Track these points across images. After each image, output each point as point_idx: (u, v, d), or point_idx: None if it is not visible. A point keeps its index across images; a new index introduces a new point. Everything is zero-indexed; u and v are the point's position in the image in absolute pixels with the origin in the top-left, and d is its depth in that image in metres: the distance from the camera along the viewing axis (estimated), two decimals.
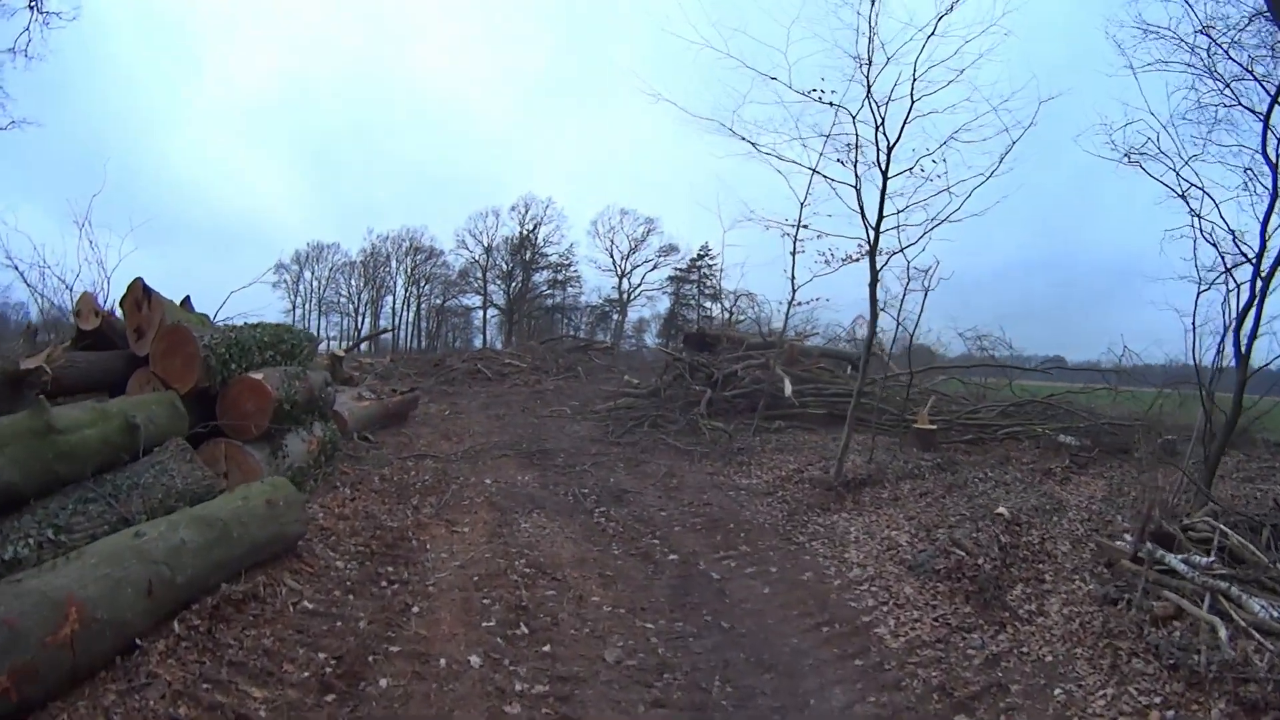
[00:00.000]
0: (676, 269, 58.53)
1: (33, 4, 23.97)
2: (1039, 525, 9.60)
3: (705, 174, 71.99)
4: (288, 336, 10.88)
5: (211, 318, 11.40)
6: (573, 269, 59.17)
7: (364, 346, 49.31)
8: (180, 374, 8.42)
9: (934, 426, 15.50)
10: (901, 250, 11.43)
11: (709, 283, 58.44)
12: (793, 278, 15.16)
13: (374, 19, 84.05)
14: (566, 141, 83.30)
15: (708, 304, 59.08)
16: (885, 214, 11.09)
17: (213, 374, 8.51)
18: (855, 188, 10.92)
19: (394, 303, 57.62)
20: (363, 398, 14.25)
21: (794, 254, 14.92)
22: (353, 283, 56.97)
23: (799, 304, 15.86)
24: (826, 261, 14.83)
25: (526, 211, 57.35)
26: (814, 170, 11.57)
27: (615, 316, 58.76)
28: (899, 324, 15.51)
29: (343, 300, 56.79)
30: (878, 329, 25.05)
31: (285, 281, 55.09)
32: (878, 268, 11.24)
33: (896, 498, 10.72)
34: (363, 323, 56.21)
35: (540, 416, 16.58)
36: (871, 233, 11.20)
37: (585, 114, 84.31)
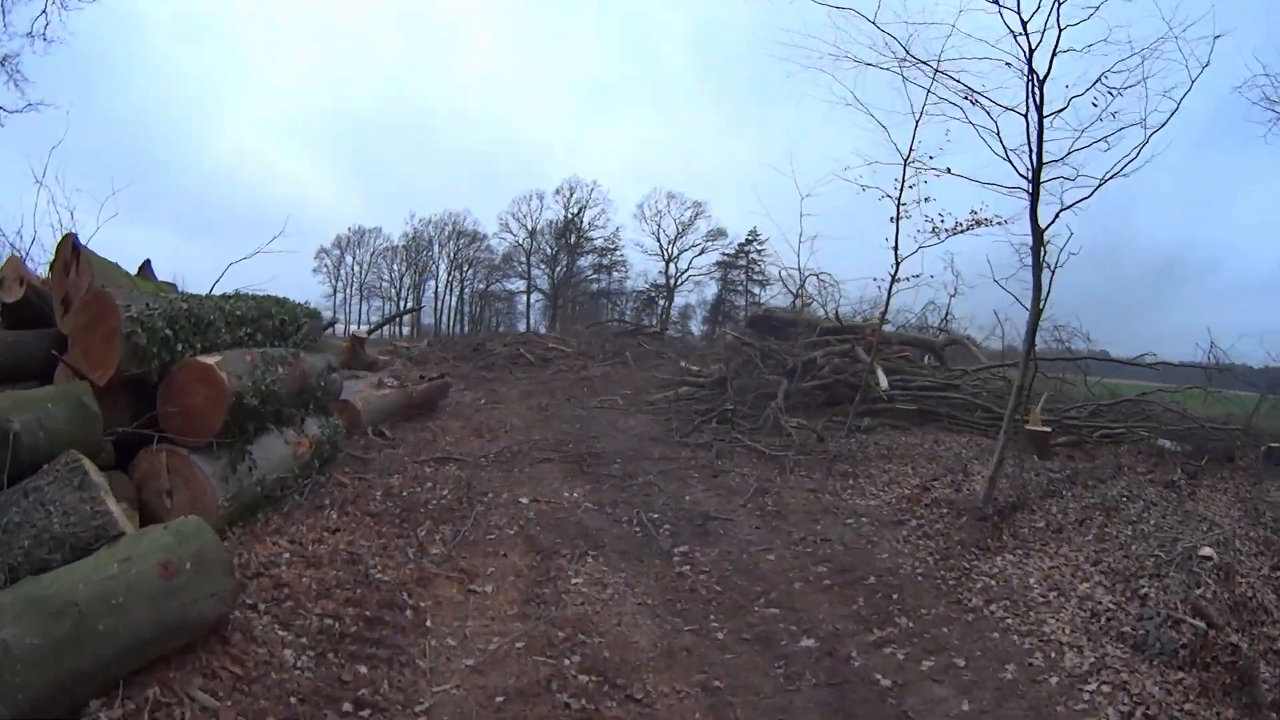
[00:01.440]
0: (724, 254, 55.46)
1: None
2: (1238, 567, 6.89)
3: (761, 153, 68.90)
4: (276, 310, 8.39)
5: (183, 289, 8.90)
6: (618, 253, 56.39)
7: (404, 328, 47.33)
8: (99, 356, 5.90)
9: (1048, 429, 12.59)
10: (1069, 207, 8.39)
11: (757, 268, 55.52)
12: (895, 247, 12.22)
13: (413, 18, 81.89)
14: (611, 130, 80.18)
15: (756, 290, 56.16)
16: (1043, 162, 8.18)
17: (144, 356, 5.96)
18: (1024, 115, 7.94)
19: (436, 287, 55.42)
20: (383, 385, 11.73)
21: (897, 220, 12.01)
22: (395, 267, 54.93)
23: (903, 280, 12.91)
24: (935, 231, 11.95)
25: (571, 194, 54.67)
26: (946, 77, 8.58)
27: (661, 302, 55.87)
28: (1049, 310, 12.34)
29: (385, 285, 54.81)
30: (948, 318, 21.86)
31: (326, 266, 53.42)
32: (1041, 227, 8.29)
33: (1056, 527, 7.94)
34: (404, 307, 54.16)
35: (588, 408, 13.90)
36: (1028, 183, 8.27)
37: (631, 104, 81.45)
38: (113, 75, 57.51)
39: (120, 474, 6.04)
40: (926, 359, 19.76)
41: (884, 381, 13.39)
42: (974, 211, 11.56)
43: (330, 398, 9.20)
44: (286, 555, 5.62)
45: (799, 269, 17.65)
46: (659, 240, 54.56)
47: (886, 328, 22.04)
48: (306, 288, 52.10)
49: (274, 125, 77.48)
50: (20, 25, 22.85)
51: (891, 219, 12.10)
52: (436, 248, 54.87)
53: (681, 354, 25.59)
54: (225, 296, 7.84)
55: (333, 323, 11.42)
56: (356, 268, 54.11)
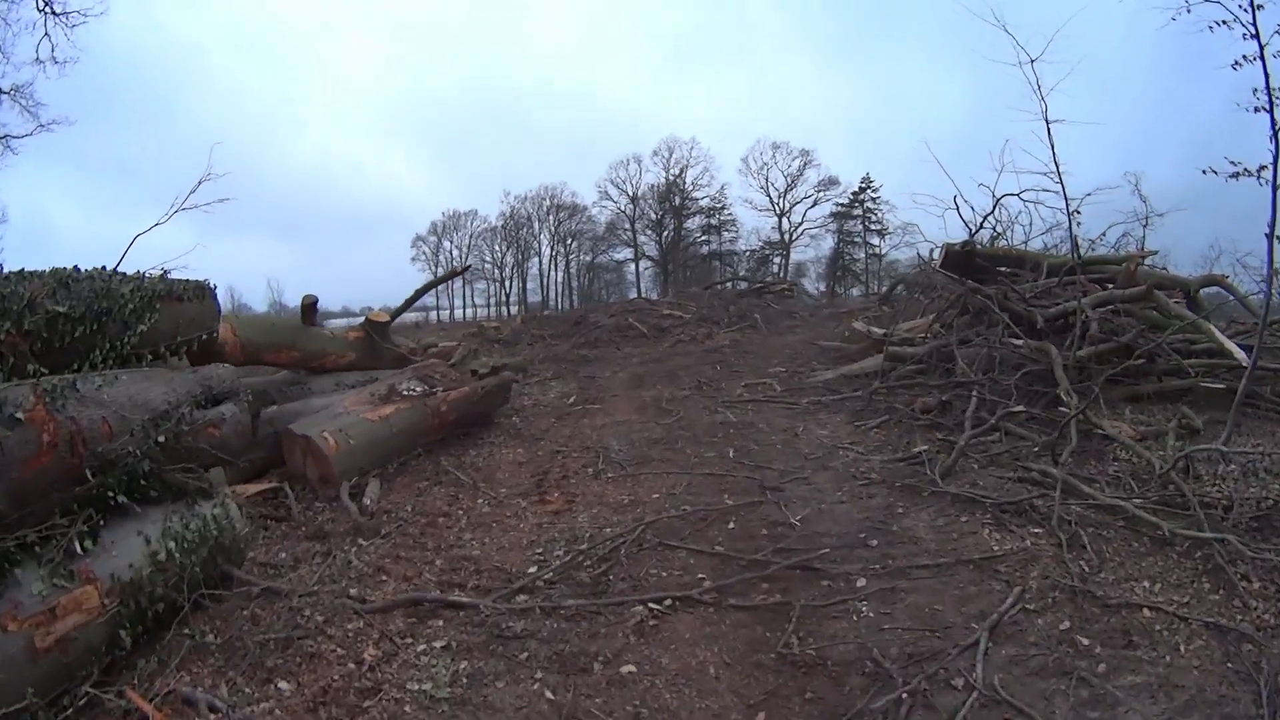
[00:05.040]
0: (838, 204, 48.01)
1: (43, 7, 19.59)
2: None
3: (862, 93, 60.31)
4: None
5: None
6: (726, 212, 49.81)
7: (512, 308, 43.00)
8: None
9: None
10: None
11: (874, 216, 47.91)
12: (1270, 108, 5.58)
13: None
14: (700, 84, 71.50)
15: (875, 240, 48.63)
16: None
17: None
18: None
19: (540, 264, 50.88)
20: (394, 396, 6.61)
21: (1262, 58, 5.44)
22: (495, 248, 50.38)
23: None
24: None
25: (670, 155, 48.40)
26: None
27: (777, 259, 49.12)
28: None
29: (488, 266, 50.35)
30: (1144, 254, 14.33)
31: (424, 253, 49.62)
32: None
33: None
34: (510, 288, 49.95)
35: (733, 402, 8.30)
36: None
37: (716, 53, 71.84)
38: (185, 102, 56.29)
39: None
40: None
41: (1238, 351, 7.02)
42: None
43: (211, 456, 4.14)
44: None
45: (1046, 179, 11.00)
46: (768, 194, 47.85)
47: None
48: (405, 275, 48.88)
49: (356, 120, 74.66)
50: (28, 53, 20.89)
51: (1240, 62, 5.58)
52: (536, 224, 50.28)
53: (816, 313, 19.55)
54: None
55: (312, 303, 6.24)
56: (455, 252, 50.03)
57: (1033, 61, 9.35)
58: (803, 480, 5.15)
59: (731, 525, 4.40)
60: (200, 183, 6.73)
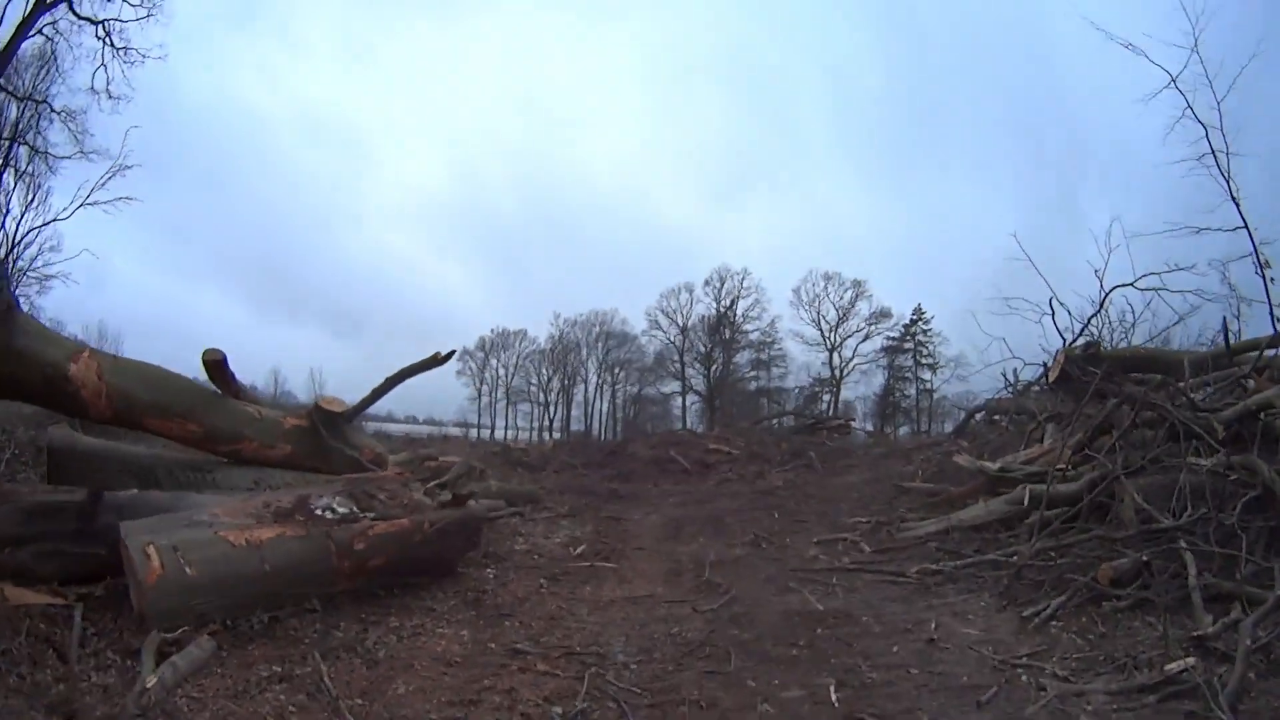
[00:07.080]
0: (889, 338, 46.13)
1: (101, 37, 20.29)
2: None
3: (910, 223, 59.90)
4: None
5: None
6: (776, 346, 48.12)
7: (553, 433, 41.01)
8: None
9: None
10: None
11: (926, 350, 45.89)
12: None
13: (536, 110, 76.95)
14: (752, 209, 71.73)
15: (926, 375, 46.27)
16: None
17: None
18: None
19: (586, 391, 49.14)
20: (296, 515, 4.38)
21: None
22: (542, 371, 48.98)
23: None
24: None
25: (722, 285, 47.53)
26: None
27: (827, 397, 46.71)
28: None
29: (533, 389, 48.97)
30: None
31: (470, 369, 47.96)
32: None
33: None
34: (554, 413, 48.13)
35: (806, 570, 5.75)
36: None
37: (773, 184, 72.40)
38: (242, 173, 58.16)
39: None
40: None
41: None
42: None
43: None
44: None
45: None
46: (820, 328, 46.16)
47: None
48: (450, 390, 47.54)
49: (412, 222, 75.89)
50: (83, 80, 21.19)
51: None
52: (584, 350, 49.11)
53: (870, 452, 16.99)
54: None
55: (218, 360, 4.16)
56: (502, 371, 48.92)
57: (1173, 81, 7.54)
58: None
59: None
60: (110, 174, 5.05)
